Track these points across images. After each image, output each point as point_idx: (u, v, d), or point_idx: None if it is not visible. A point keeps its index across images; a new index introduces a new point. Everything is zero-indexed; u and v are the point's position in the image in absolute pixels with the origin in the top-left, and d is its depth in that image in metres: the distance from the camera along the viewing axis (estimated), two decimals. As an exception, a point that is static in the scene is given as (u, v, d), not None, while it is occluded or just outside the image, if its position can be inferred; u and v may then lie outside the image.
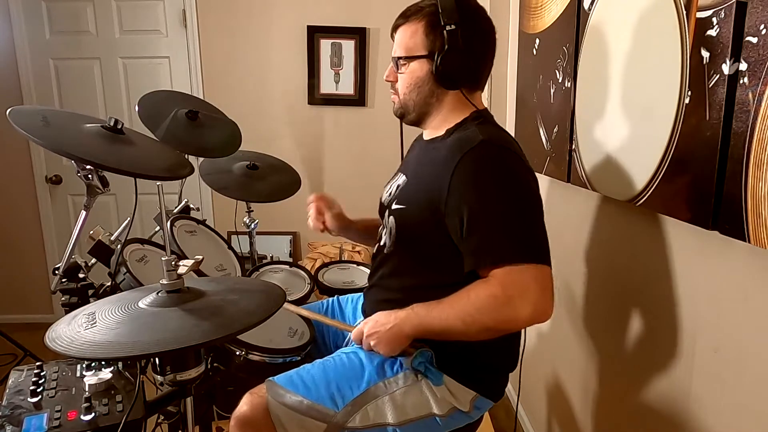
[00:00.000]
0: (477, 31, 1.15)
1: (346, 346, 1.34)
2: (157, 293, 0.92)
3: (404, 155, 1.42)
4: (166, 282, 0.92)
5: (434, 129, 1.23)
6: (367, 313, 1.32)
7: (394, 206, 1.21)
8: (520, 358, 1.31)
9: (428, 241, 1.14)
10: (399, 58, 1.18)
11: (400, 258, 1.22)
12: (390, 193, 1.26)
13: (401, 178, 1.26)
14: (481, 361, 1.18)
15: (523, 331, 1.30)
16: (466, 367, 1.16)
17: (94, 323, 0.85)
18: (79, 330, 0.83)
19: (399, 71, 1.19)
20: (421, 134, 1.34)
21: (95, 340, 0.80)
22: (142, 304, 0.91)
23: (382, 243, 1.26)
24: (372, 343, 1.13)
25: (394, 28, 1.20)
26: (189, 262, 0.95)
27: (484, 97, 2.51)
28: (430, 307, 1.09)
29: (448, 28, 1.11)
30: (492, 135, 1.12)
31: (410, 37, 1.16)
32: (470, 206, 1.05)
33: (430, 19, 1.13)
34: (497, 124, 1.22)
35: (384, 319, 1.13)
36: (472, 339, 1.10)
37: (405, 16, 1.17)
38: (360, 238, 1.56)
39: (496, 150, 1.09)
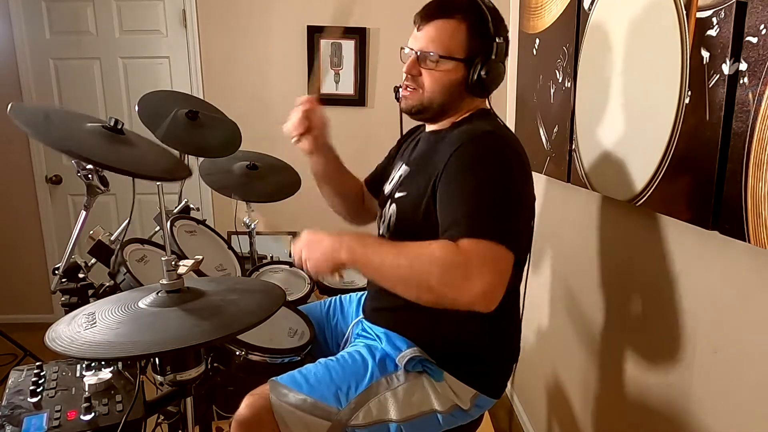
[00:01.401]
0: (507, 45, 1.16)
1: (346, 344, 1.34)
2: (157, 293, 0.92)
3: (401, 145, 1.42)
4: (166, 282, 0.92)
5: (441, 125, 1.23)
6: (366, 310, 1.32)
7: (396, 195, 1.21)
8: (518, 356, 1.31)
9: (426, 227, 1.12)
10: (431, 53, 1.11)
11: None
12: (393, 184, 1.27)
13: (403, 168, 1.26)
14: (481, 360, 1.18)
15: (522, 331, 1.30)
16: (465, 365, 1.16)
17: (94, 323, 0.85)
18: (79, 330, 0.83)
19: (426, 66, 1.13)
20: (421, 126, 1.34)
21: (95, 340, 0.80)
22: (142, 304, 0.91)
23: (380, 233, 1.27)
24: (304, 254, 1.07)
25: (427, 19, 1.12)
26: (189, 262, 0.95)
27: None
28: (380, 242, 1.05)
29: (498, 40, 1.11)
30: (497, 128, 1.13)
31: (450, 36, 1.10)
32: (458, 183, 1.04)
33: (474, 23, 1.10)
34: (502, 122, 1.22)
35: (324, 235, 1.06)
36: (407, 293, 1.00)
37: (444, 10, 1.11)
38: (332, 180, 1.46)
39: (498, 140, 1.09)
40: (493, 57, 1.12)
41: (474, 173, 1.04)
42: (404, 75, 1.17)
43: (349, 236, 1.04)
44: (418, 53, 1.13)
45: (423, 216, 1.12)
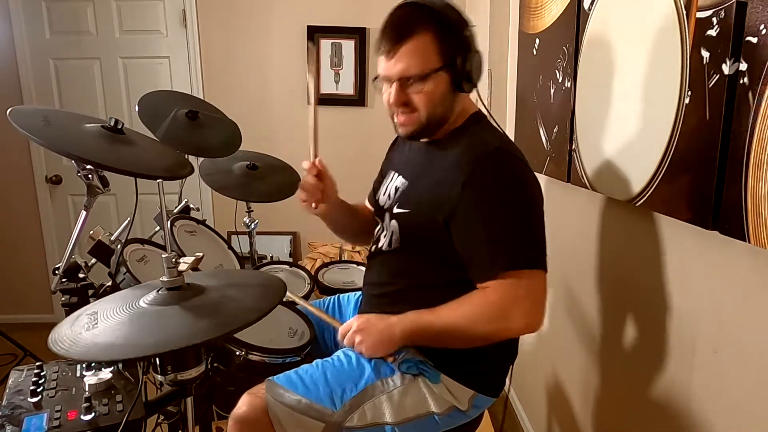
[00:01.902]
0: (470, 29, 1.14)
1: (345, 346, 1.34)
2: (158, 291, 0.92)
3: (389, 153, 1.42)
4: (166, 279, 0.92)
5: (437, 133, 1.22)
6: (362, 313, 1.32)
7: (396, 210, 1.21)
8: (515, 356, 1.31)
9: (433, 243, 1.15)
10: (411, 77, 1.09)
11: (402, 259, 1.22)
12: (389, 196, 1.26)
13: (399, 180, 1.25)
14: (478, 360, 1.17)
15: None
16: (463, 366, 1.16)
17: (96, 324, 0.85)
18: (80, 332, 0.83)
19: (413, 90, 1.11)
20: None
21: (96, 342, 0.80)
22: (143, 302, 0.91)
23: (380, 244, 1.26)
24: (358, 339, 1.13)
25: (393, 44, 1.09)
26: (189, 259, 0.96)
27: (484, 98, 2.51)
28: (424, 314, 1.10)
29: (465, 33, 1.11)
30: (503, 142, 1.14)
31: (421, 53, 1.08)
32: (479, 215, 1.07)
33: (439, 28, 1.08)
34: (493, 126, 1.23)
35: (376, 319, 1.14)
36: (462, 347, 1.13)
37: (406, 31, 1.08)
38: (346, 228, 1.47)
39: (510, 159, 1.11)
40: (469, 49, 1.12)
41: (492, 204, 1.08)
42: (388, 102, 1.14)
43: (397, 316, 1.12)
44: (400, 80, 1.10)
45: (430, 235, 1.14)
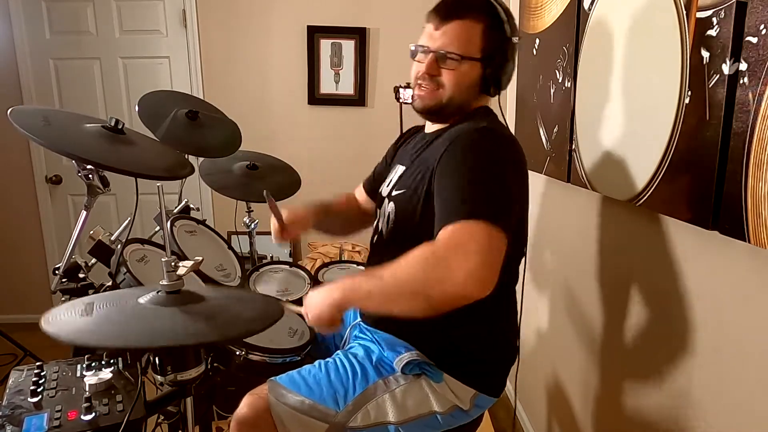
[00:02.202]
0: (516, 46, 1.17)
1: (345, 345, 1.34)
2: (157, 293, 0.93)
3: (397, 148, 1.42)
4: (165, 282, 0.92)
5: (441, 123, 1.23)
6: (363, 313, 1.32)
7: (394, 193, 1.21)
8: (517, 355, 1.31)
9: (424, 223, 1.11)
10: (451, 53, 1.11)
11: (398, 244, 1.21)
12: (391, 185, 1.27)
13: (400, 169, 1.26)
14: (480, 359, 1.18)
15: (520, 328, 1.30)
16: (464, 366, 1.16)
17: (91, 312, 0.86)
18: (74, 317, 0.84)
19: (446, 66, 1.13)
20: (418, 128, 1.35)
21: (90, 328, 0.80)
22: (141, 300, 0.91)
23: (379, 231, 1.27)
24: (304, 310, 1.09)
25: (444, 19, 1.11)
26: (189, 263, 0.96)
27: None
28: (365, 273, 1.06)
29: (513, 40, 1.13)
30: (494, 125, 1.13)
31: (468, 36, 1.11)
32: (448, 175, 1.03)
33: (489, 23, 1.11)
34: (499, 120, 1.22)
35: (322, 288, 1.07)
36: (403, 309, 0.97)
37: (461, 9, 1.11)
38: (331, 225, 1.51)
39: (492, 136, 1.09)
40: (508, 57, 1.14)
41: (464, 163, 1.03)
42: (417, 73, 1.17)
43: (342, 279, 1.05)
44: (437, 53, 1.12)
45: (420, 212, 1.12)
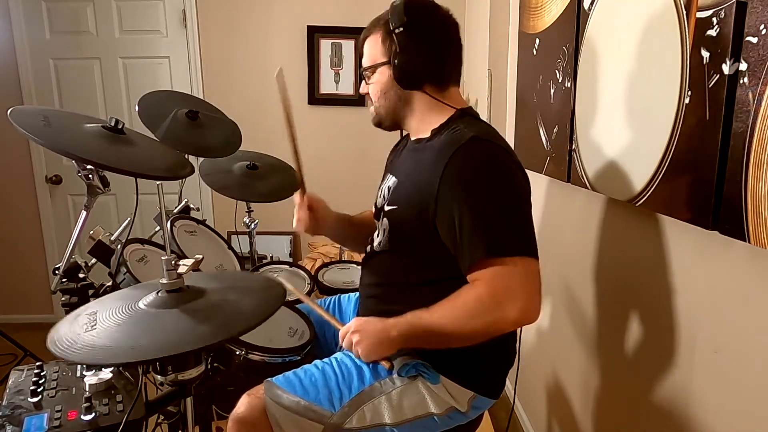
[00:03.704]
0: (429, 30, 1.16)
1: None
2: (157, 293, 0.92)
3: (389, 156, 1.42)
4: (166, 281, 0.92)
5: (417, 130, 1.24)
6: (361, 311, 1.33)
7: (387, 208, 1.21)
8: (517, 356, 1.31)
9: (421, 240, 1.13)
10: (364, 69, 1.24)
11: (394, 257, 1.22)
12: (383, 196, 1.27)
13: (391, 180, 1.26)
14: (478, 361, 1.17)
15: (519, 329, 1.30)
16: (462, 367, 1.16)
17: (94, 326, 0.85)
18: (79, 333, 0.83)
19: (368, 82, 1.24)
20: (406, 136, 1.35)
21: (95, 343, 0.80)
22: (143, 304, 0.91)
23: (375, 243, 1.26)
24: (355, 340, 1.12)
25: (361, 43, 1.24)
26: (189, 262, 0.95)
27: (484, 98, 2.52)
28: (420, 315, 1.08)
29: (396, 31, 1.14)
30: (480, 131, 1.11)
31: (372, 47, 1.21)
32: (459, 206, 1.04)
33: (386, 27, 1.17)
34: (482, 120, 1.22)
35: (374, 321, 1.13)
36: (462, 345, 1.10)
37: (368, 29, 1.22)
38: (352, 233, 1.50)
39: (486, 146, 1.09)
40: (402, 46, 1.14)
41: (472, 193, 1.05)
42: None
43: (394, 318, 1.10)
44: (362, 74, 1.25)
45: (416, 231, 1.13)
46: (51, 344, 0.80)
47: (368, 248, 1.30)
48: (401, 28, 1.13)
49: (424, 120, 1.20)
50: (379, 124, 1.28)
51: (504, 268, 1.01)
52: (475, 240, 1.03)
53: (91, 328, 0.84)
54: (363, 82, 1.26)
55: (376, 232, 1.28)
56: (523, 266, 1.02)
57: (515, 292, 1.01)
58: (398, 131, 1.34)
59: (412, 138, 1.27)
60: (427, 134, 1.19)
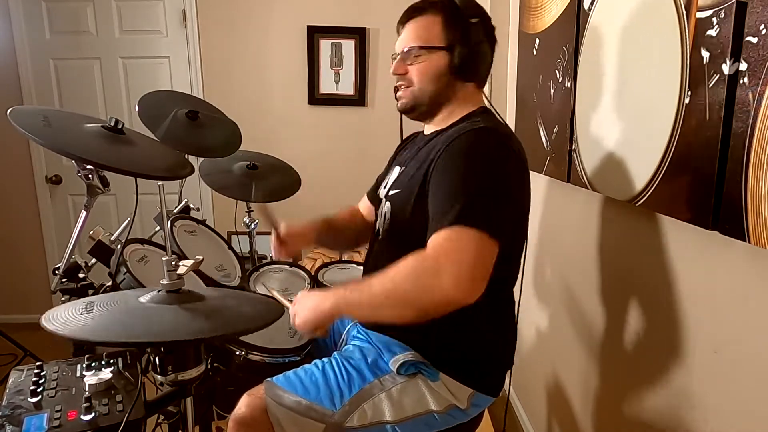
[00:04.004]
0: (490, 30, 1.20)
1: (343, 345, 1.34)
2: (157, 292, 0.93)
3: (398, 152, 1.42)
4: (166, 282, 0.92)
5: (438, 123, 1.23)
6: None
7: (390, 192, 1.22)
8: (515, 354, 1.31)
9: (418, 221, 1.11)
10: (412, 48, 1.16)
11: (393, 243, 1.21)
12: (387, 185, 1.28)
13: (396, 170, 1.27)
14: (477, 358, 1.18)
15: (518, 327, 1.30)
16: (461, 365, 1.16)
17: (92, 310, 0.86)
18: (75, 314, 0.84)
19: (410, 63, 1.18)
20: (418, 132, 1.35)
21: (90, 324, 0.80)
22: (142, 299, 0.92)
23: (376, 231, 1.28)
24: (292, 311, 1.10)
25: (404, 22, 1.20)
26: (189, 262, 0.96)
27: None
28: (357, 281, 1.05)
29: (472, 20, 1.14)
30: (494, 125, 1.13)
31: (427, 29, 1.16)
32: (443, 174, 1.04)
33: (448, 13, 1.15)
34: (501, 119, 1.22)
35: (313, 293, 1.10)
36: (395, 317, 1.00)
37: (417, 10, 1.18)
38: (336, 237, 1.50)
39: (492, 135, 1.08)
40: (475, 39, 1.15)
41: (461, 164, 1.03)
42: (396, 78, 1.22)
43: (335, 288, 1.07)
44: (402, 52, 1.19)
45: (413, 210, 1.12)
46: (45, 320, 0.81)
47: (372, 237, 1.31)
48: (476, 20, 1.14)
49: (453, 114, 1.21)
50: (411, 108, 1.21)
51: (458, 235, 0.94)
52: (446, 206, 0.97)
53: (87, 312, 0.85)
54: (399, 61, 1.19)
55: (377, 221, 1.28)
56: (480, 243, 0.93)
57: (454, 260, 0.92)
58: (401, 126, 1.35)
59: (429, 131, 1.26)
60: (446, 125, 1.20)
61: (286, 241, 1.39)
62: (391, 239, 1.21)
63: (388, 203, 1.22)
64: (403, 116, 1.28)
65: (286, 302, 1.26)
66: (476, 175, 1.02)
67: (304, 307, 1.08)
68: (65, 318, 0.82)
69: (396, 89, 1.23)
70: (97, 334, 0.79)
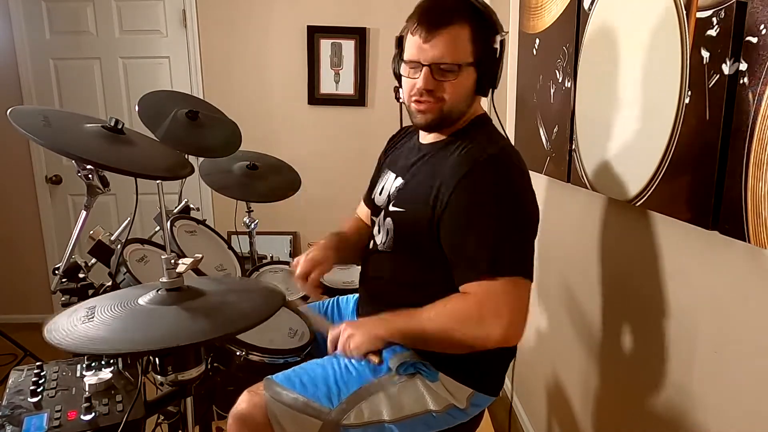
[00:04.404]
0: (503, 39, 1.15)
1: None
2: (157, 291, 0.92)
3: (386, 150, 1.41)
4: (165, 280, 0.92)
5: (438, 134, 1.21)
6: (359, 314, 1.33)
7: (391, 208, 1.21)
8: (515, 355, 1.31)
9: (426, 244, 1.14)
10: (447, 64, 1.08)
11: (397, 258, 1.22)
12: (387, 196, 1.26)
13: (398, 181, 1.24)
14: (476, 358, 1.17)
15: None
16: (460, 365, 1.16)
17: (92, 318, 0.86)
18: (75, 324, 0.83)
19: (444, 78, 1.09)
20: (408, 132, 1.34)
21: (90, 335, 0.80)
22: (141, 301, 0.91)
23: (376, 241, 1.26)
24: (347, 334, 1.10)
25: (433, 28, 1.07)
26: (188, 260, 0.96)
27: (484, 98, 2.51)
28: (410, 316, 1.09)
29: (499, 38, 1.12)
30: (503, 148, 1.13)
31: (458, 44, 1.08)
32: (467, 220, 1.06)
33: (473, 25, 1.09)
34: (498, 132, 1.22)
35: (366, 320, 1.15)
36: (444, 351, 1.11)
37: (447, 18, 1.07)
38: (353, 255, 1.42)
39: (503, 167, 1.09)
40: (498, 54, 1.13)
41: (482, 208, 1.06)
42: (412, 89, 1.12)
43: (385, 316, 1.12)
44: (432, 65, 1.09)
45: (422, 235, 1.13)
46: (47, 333, 0.81)
47: (370, 244, 1.30)
48: (501, 36, 1.12)
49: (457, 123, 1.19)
50: (438, 125, 1.16)
51: (498, 287, 1.02)
52: (478, 255, 1.04)
53: (88, 320, 0.85)
54: (427, 75, 1.09)
55: (377, 230, 1.27)
56: (516, 288, 1.03)
57: (502, 314, 1.02)
58: (401, 126, 1.34)
59: (425, 140, 1.24)
60: (444, 136, 1.19)
61: (315, 280, 1.28)
62: (397, 254, 1.21)
63: (389, 219, 1.20)
64: (403, 117, 1.27)
65: (324, 324, 1.30)
66: (502, 218, 1.05)
67: (360, 332, 1.10)
68: (66, 330, 0.82)
69: (419, 101, 1.12)
70: (97, 346, 0.79)
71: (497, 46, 1.12)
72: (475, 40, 1.09)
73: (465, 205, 1.06)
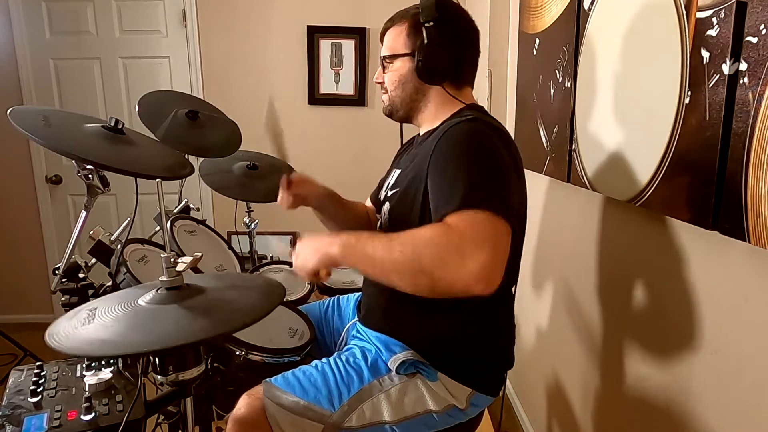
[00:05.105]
0: (456, 28, 1.18)
1: (344, 345, 1.34)
2: (157, 290, 0.93)
3: (397, 155, 1.43)
4: (165, 279, 0.92)
5: (428, 124, 1.25)
6: (361, 311, 1.33)
7: (389, 193, 1.24)
8: (515, 355, 1.31)
9: (419, 219, 1.11)
10: (384, 57, 1.25)
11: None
12: (386, 187, 1.29)
13: (397, 171, 1.28)
14: (475, 358, 1.18)
15: (517, 327, 1.30)
16: (460, 364, 1.16)
17: (92, 320, 0.86)
18: (75, 327, 0.83)
19: (385, 71, 1.25)
20: (418, 133, 1.36)
21: (90, 338, 0.80)
22: (141, 301, 0.91)
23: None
24: (296, 251, 1.06)
25: (382, 33, 1.26)
26: (188, 259, 0.95)
27: (484, 98, 2.52)
28: (370, 234, 1.02)
29: (426, 24, 1.15)
30: (481, 118, 1.12)
31: (395, 38, 1.22)
32: (444, 163, 1.03)
33: (413, 20, 1.19)
34: (489, 115, 1.22)
35: (320, 236, 1.05)
36: (402, 283, 0.93)
37: (392, 20, 1.25)
38: (338, 211, 1.44)
39: (480, 124, 1.08)
40: (430, 41, 1.14)
41: (460, 150, 1.03)
42: None
43: (345, 233, 1.02)
44: (381, 60, 1.26)
45: (415, 208, 1.12)
46: (48, 337, 0.81)
47: None
48: (431, 23, 1.15)
49: (437, 115, 1.22)
50: (390, 113, 1.29)
51: (481, 218, 0.90)
52: (453, 190, 0.95)
53: (88, 323, 0.85)
54: (380, 70, 1.28)
55: (378, 224, 1.30)
56: (497, 225, 0.90)
57: (483, 246, 0.86)
58: (400, 127, 1.35)
59: (422, 132, 1.28)
60: (437, 125, 1.20)
61: (294, 181, 1.37)
62: (394, 231, 1.21)
63: (387, 203, 1.23)
64: None
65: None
66: (480, 159, 1.01)
67: (308, 250, 1.03)
68: (66, 333, 0.82)
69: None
70: (97, 348, 0.79)
71: (431, 33, 1.14)
72: (411, 34, 1.19)
73: (438, 155, 1.04)
